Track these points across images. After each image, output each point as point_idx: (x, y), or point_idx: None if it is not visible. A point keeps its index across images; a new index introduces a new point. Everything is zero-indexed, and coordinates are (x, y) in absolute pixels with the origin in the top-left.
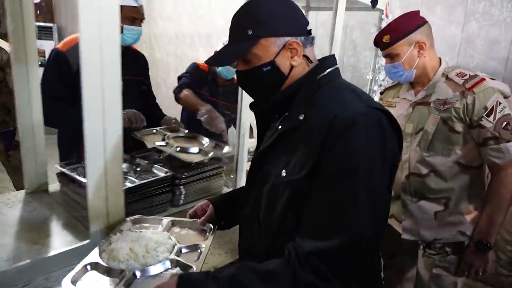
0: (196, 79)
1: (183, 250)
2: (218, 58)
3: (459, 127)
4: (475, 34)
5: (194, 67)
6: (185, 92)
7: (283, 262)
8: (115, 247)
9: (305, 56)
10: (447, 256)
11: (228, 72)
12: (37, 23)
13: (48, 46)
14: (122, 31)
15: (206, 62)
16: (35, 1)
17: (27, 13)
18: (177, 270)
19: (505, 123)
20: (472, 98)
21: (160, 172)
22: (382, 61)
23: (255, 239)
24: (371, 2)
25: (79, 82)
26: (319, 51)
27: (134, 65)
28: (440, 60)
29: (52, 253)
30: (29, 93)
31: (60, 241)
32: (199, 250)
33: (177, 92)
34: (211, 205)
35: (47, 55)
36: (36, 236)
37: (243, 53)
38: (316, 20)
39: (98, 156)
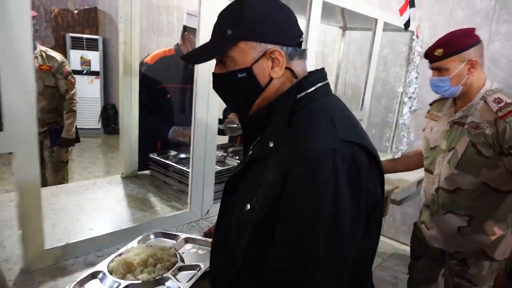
0: None
1: (183, 269)
2: (191, 56)
3: (487, 152)
4: (498, 53)
5: None
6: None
7: None
8: (118, 260)
9: (289, 69)
10: (468, 269)
11: None
12: (85, 36)
13: (93, 56)
14: None
15: (181, 58)
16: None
17: (134, 39)
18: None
19: None
20: (503, 126)
21: (232, 162)
22: (413, 75)
23: (222, 266)
24: (404, 24)
25: (161, 91)
26: (351, 66)
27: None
28: (485, 81)
29: (161, 215)
30: (130, 98)
31: (163, 209)
32: (197, 270)
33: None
34: None
35: (92, 65)
36: (143, 206)
37: (216, 54)
38: (350, 38)
39: (200, 148)
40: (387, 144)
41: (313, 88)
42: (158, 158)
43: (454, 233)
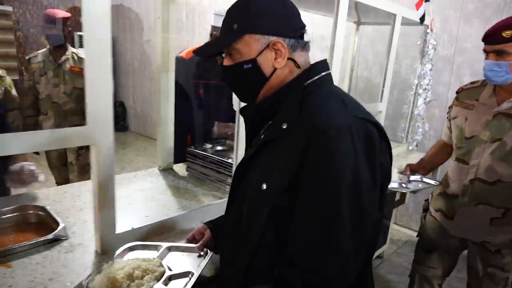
0: None
1: (173, 278)
2: (203, 50)
3: None
4: None
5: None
6: None
7: None
8: (99, 278)
9: (291, 59)
10: (502, 258)
11: None
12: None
13: None
14: None
15: (193, 52)
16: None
17: (171, 37)
18: None
19: None
20: None
21: None
22: (427, 68)
23: (236, 255)
24: (420, 18)
25: (195, 86)
26: (362, 59)
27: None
28: None
29: (207, 203)
30: (167, 93)
31: (206, 198)
32: (189, 277)
33: None
34: (208, 229)
35: None
36: (187, 195)
37: (223, 47)
38: (361, 32)
39: (242, 141)
40: (403, 134)
41: (318, 76)
42: (196, 150)
43: (485, 224)
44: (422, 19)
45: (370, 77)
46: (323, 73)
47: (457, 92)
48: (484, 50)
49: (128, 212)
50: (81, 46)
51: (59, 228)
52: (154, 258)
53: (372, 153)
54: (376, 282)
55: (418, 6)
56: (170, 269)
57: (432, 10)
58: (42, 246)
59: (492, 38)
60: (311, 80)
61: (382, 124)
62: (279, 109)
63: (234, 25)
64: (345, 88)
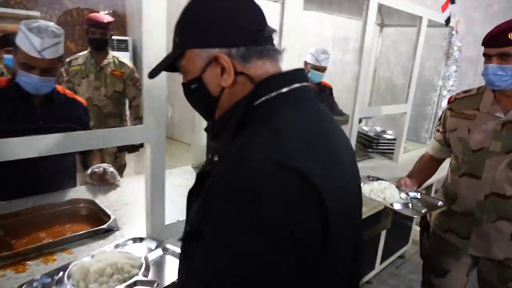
0: None
1: (138, 284)
2: (152, 70)
3: None
4: None
5: None
6: None
7: None
8: (79, 264)
9: (243, 74)
10: None
11: (315, 76)
12: (115, 37)
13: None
14: None
15: (148, 75)
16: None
17: None
18: None
19: None
20: None
21: None
22: (452, 69)
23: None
24: (445, 21)
25: None
26: (384, 60)
27: None
28: None
29: None
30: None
31: None
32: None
33: None
34: None
35: None
36: None
37: (166, 65)
38: (384, 33)
39: None
40: (426, 135)
41: (273, 94)
42: None
43: (506, 240)
44: (448, 21)
45: (392, 78)
46: (282, 90)
47: (449, 102)
48: (486, 54)
49: (171, 206)
50: (117, 50)
51: (111, 219)
52: (140, 258)
53: (281, 214)
54: (398, 282)
55: (444, 8)
56: (147, 272)
57: (457, 12)
58: (96, 236)
59: (497, 40)
60: (261, 100)
61: (406, 126)
62: (219, 137)
63: (176, 38)
64: (368, 89)
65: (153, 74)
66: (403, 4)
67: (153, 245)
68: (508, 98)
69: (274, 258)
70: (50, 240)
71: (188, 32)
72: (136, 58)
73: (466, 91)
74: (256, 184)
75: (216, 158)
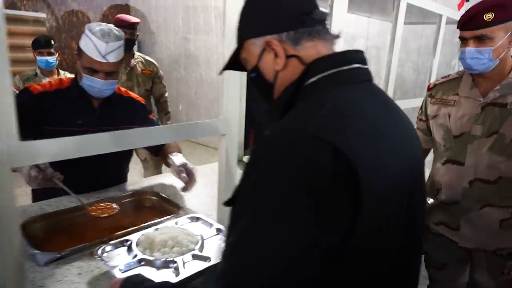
0: None
1: (195, 258)
2: (225, 65)
3: None
4: None
5: None
6: None
7: None
8: (146, 234)
9: (294, 56)
10: None
11: None
12: None
13: None
14: None
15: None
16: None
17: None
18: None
19: None
20: None
21: None
22: None
23: None
24: None
25: None
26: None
27: None
28: None
29: None
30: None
31: None
32: (207, 261)
33: None
34: None
35: None
36: None
37: (232, 60)
38: None
39: None
40: None
41: (323, 75)
42: None
43: (495, 228)
44: None
45: (402, 74)
46: (333, 70)
47: (428, 89)
48: (462, 37)
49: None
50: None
51: (181, 209)
52: (197, 235)
53: (310, 183)
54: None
55: (460, 6)
56: (202, 249)
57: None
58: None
59: (473, 22)
60: (310, 81)
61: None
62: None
63: (238, 33)
64: (381, 85)
65: (220, 71)
66: (427, 3)
67: (208, 225)
68: (487, 81)
69: (298, 226)
70: (131, 229)
71: (244, 25)
72: None
73: (445, 77)
74: (288, 155)
75: (266, 133)
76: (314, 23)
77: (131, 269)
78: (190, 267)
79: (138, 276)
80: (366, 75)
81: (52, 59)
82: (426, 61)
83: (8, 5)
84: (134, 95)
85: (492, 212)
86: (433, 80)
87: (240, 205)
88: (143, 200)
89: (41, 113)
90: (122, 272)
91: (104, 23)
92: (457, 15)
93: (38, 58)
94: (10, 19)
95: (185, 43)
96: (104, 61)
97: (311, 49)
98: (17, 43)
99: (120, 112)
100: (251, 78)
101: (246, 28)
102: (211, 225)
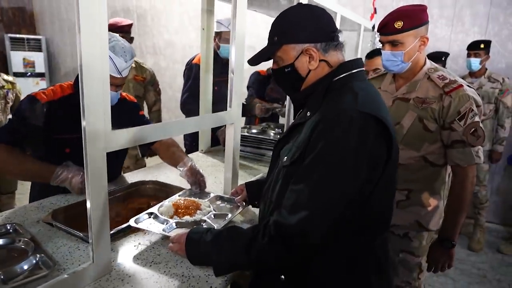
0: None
1: (216, 216)
2: (253, 59)
3: (432, 126)
4: None
5: (255, 75)
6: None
7: (253, 227)
8: (167, 205)
9: (324, 60)
10: (411, 242)
11: None
12: (26, 36)
13: (37, 57)
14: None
15: (248, 62)
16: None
17: (210, 48)
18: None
19: (473, 129)
20: (448, 101)
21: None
22: None
23: (265, 213)
24: (372, 26)
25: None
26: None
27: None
28: (426, 59)
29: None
30: (208, 88)
31: (253, 166)
32: (225, 218)
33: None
34: (244, 188)
35: (36, 66)
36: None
37: (266, 56)
38: None
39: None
40: None
41: (346, 74)
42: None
43: (393, 208)
44: (373, 27)
45: None
46: (353, 71)
47: None
48: (380, 41)
49: (215, 179)
50: (13, 49)
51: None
52: (205, 201)
53: (362, 140)
54: None
55: (371, 17)
56: (214, 210)
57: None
58: None
59: (385, 29)
60: (338, 77)
61: None
62: (308, 101)
63: (275, 37)
64: None
65: (254, 62)
66: (353, 15)
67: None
68: (403, 79)
69: (356, 171)
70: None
71: (286, 32)
72: (50, 58)
73: (376, 71)
74: (349, 125)
75: (309, 114)
76: (337, 39)
77: (172, 230)
78: (217, 224)
79: (198, 227)
80: (365, 74)
81: None
82: None
83: None
84: (128, 95)
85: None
86: None
87: (311, 162)
88: (146, 189)
89: (48, 122)
90: (168, 233)
91: (111, 34)
92: (370, 24)
93: None
94: None
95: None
96: (119, 76)
97: (335, 57)
98: None
99: (119, 115)
100: (284, 72)
101: (287, 35)
102: (209, 194)
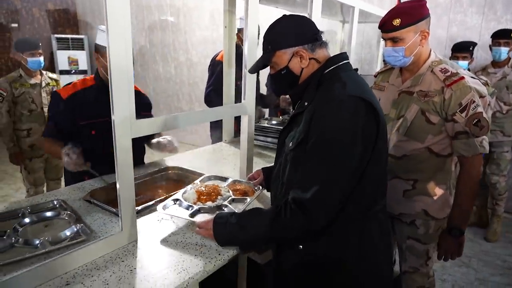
0: None
1: (235, 201)
2: (252, 68)
3: (434, 119)
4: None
5: None
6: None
7: (274, 207)
8: (190, 192)
9: (313, 58)
10: (417, 229)
11: None
12: (70, 36)
13: (80, 55)
14: None
15: (248, 71)
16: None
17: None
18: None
19: (475, 120)
20: (449, 94)
21: None
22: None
23: (278, 195)
24: None
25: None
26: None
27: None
28: (430, 52)
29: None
30: (231, 83)
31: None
32: (244, 202)
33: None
34: (262, 172)
35: (79, 64)
36: (260, 155)
37: (263, 64)
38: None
39: None
40: None
41: (334, 66)
42: (258, 124)
43: (399, 197)
44: None
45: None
46: (339, 64)
47: (375, 76)
48: (383, 38)
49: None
50: (59, 48)
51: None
52: (224, 186)
53: (355, 121)
54: None
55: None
56: (233, 195)
57: None
58: None
59: (386, 27)
60: (327, 70)
61: None
62: (305, 93)
63: (268, 46)
64: None
65: (253, 70)
66: (369, 7)
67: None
68: (409, 72)
69: (353, 146)
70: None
71: (278, 40)
72: (92, 55)
73: (386, 65)
74: (341, 108)
75: (306, 104)
76: (320, 38)
77: (196, 215)
78: (237, 209)
79: (221, 213)
80: (351, 65)
81: (42, 59)
82: (367, 54)
83: None
84: (141, 90)
85: (398, 183)
86: (378, 69)
87: (313, 145)
88: (170, 175)
89: (73, 113)
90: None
91: None
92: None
93: (30, 59)
94: None
95: (140, 40)
96: None
97: (322, 54)
98: None
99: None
100: (281, 74)
101: (279, 42)
102: (227, 179)
